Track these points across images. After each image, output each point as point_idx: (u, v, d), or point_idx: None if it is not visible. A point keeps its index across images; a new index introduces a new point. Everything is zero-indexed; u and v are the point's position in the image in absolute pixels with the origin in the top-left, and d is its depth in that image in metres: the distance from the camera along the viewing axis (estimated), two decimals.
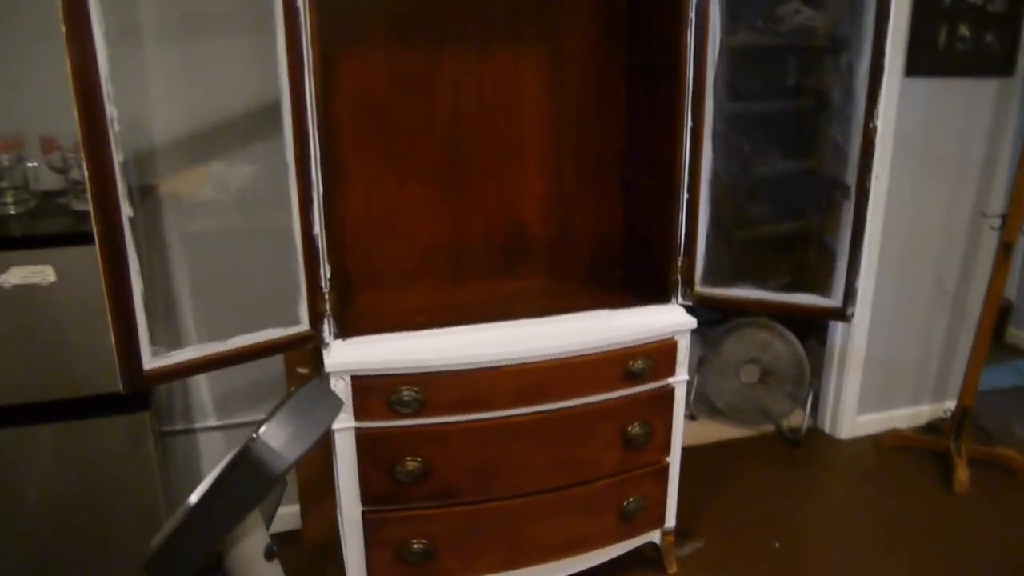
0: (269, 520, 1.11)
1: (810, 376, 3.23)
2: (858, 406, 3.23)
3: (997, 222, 2.92)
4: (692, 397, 3.44)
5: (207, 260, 2.29)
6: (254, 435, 0.79)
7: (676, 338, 2.07)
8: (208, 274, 2.27)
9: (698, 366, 3.41)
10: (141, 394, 1.80)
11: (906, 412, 3.32)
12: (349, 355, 1.85)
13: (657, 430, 2.12)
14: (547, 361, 1.93)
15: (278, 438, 0.81)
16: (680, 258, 2.12)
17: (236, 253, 2.26)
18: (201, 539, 0.82)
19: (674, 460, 2.20)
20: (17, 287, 1.72)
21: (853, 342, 3.13)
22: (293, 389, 0.94)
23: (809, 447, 3.18)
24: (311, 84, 1.69)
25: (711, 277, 2.16)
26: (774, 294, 2.15)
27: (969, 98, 3.01)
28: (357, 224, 2.19)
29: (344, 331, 1.91)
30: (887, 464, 3.04)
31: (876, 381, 3.22)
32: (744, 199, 4.18)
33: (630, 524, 2.17)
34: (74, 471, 1.81)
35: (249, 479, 0.79)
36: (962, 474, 2.85)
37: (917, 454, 3.09)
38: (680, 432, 2.17)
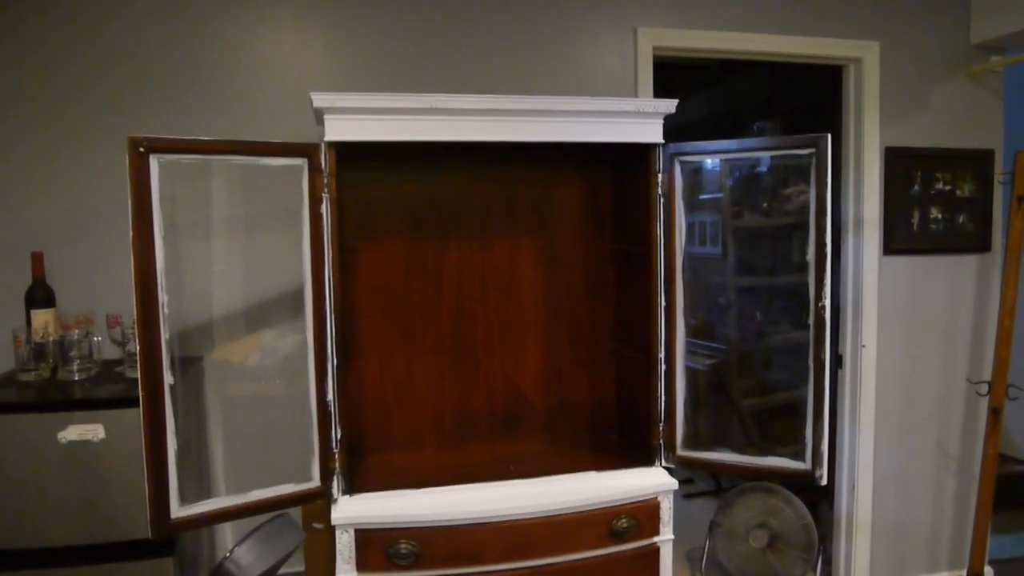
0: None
1: (819, 541, 3.26)
2: (871, 571, 3.23)
3: (984, 388, 3.05)
4: (704, 562, 3.47)
5: (240, 420, 2.57)
6: (227, 555, 1.01)
7: (659, 498, 2.23)
8: (239, 432, 2.54)
9: (709, 531, 3.47)
10: (167, 541, 2.01)
11: None
12: (354, 510, 2.05)
13: None
14: (535, 518, 2.10)
15: (245, 558, 1.02)
16: (662, 424, 2.31)
17: (266, 415, 2.54)
18: None
19: None
20: (72, 442, 2.00)
21: (858, 507, 3.19)
22: (265, 522, 1.17)
23: None
24: (330, 274, 2.02)
25: (696, 442, 2.34)
26: (749, 458, 2.31)
27: (950, 272, 3.23)
28: (371, 392, 2.46)
29: (352, 488, 2.13)
30: None
31: (888, 546, 3.24)
32: (759, 367, 4.37)
33: None
34: None
35: None
36: None
37: None
38: None
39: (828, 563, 3.33)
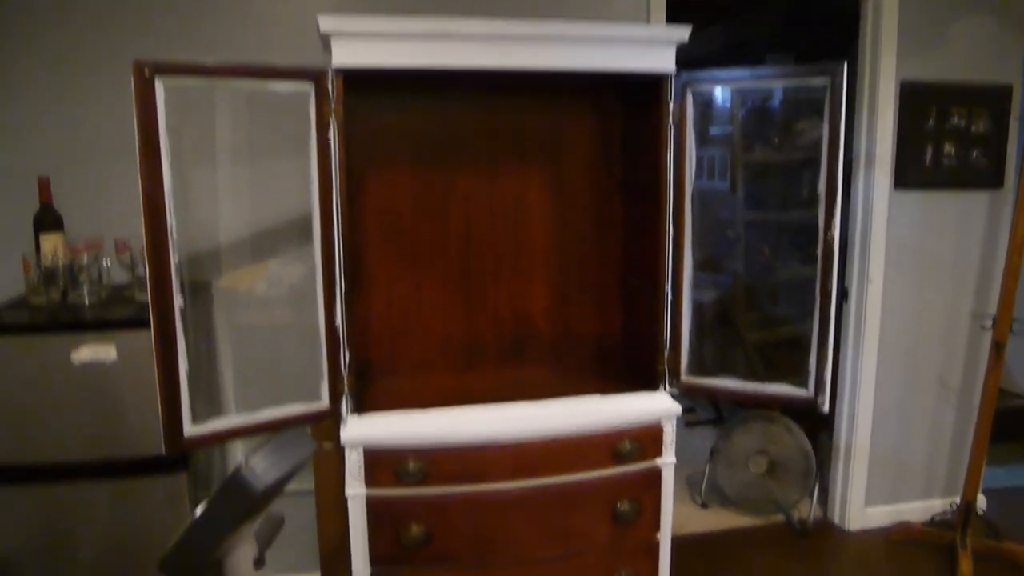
0: (268, 545, 1.35)
1: (817, 468, 3.33)
2: (866, 498, 3.31)
3: (989, 322, 3.06)
4: (704, 487, 3.57)
5: (250, 345, 2.62)
6: (243, 463, 1.05)
7: (662, 422, 2.27)
8: (249, 356, 2.59)
9: (710, 456, 3.55)
10: (181, 458, 2.07)
11: (917, 506, 3.38)
12: (363, 430, 2.10)
13: (646, 509, 2.28)
14: (540, 439, 2.14)
15: (260, 465, 1.06)
16: (667, 351, 2.34)
17: (275, 340, 2.59)
18: (204, 543, 1.06)
19: (664, 538, 2.34)
20: (85, 364, 2.04)
21: (857, 436, 3.25)
22: (278, 433, 1.21)
23: (817, 537, 3.26)
24: (338, 200, 2.02)
25: (700, 369, 2.36)
26: (752, 384, 2.34)
27: (961, 208, 3.22)
28: (379, 319, 2.48)
29: (361, 409, 2.17)
30: (893, 556, 3.10)
31: (884, 474, 3.31)
32: (766, 301, 4.39)
33: None
34: (121, 524, 2.08)
35: (238, 494, 1.04)
36: (966, 568, 2.89)
37: (924, 547, 3.14)
38: (669, 512, 2.33)
39: (824, 490, 3.42)
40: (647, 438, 2.25)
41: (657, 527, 2.33)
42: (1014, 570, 2.96)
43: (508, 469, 2.14)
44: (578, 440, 2.18)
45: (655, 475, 2.29)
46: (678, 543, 2.48)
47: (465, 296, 2.54)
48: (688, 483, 3.73)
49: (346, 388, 2.14)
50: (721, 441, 3.51)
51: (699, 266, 2.39)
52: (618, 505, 2.24)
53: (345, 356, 2.12)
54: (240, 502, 1.06)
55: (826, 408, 2.25)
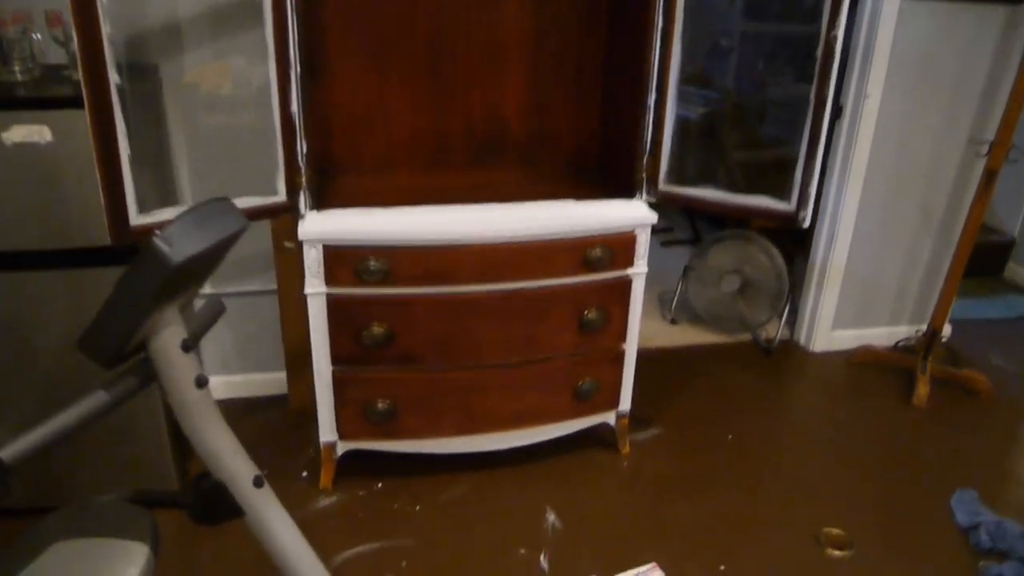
0: (202, 332, 1.29)
1: (789, 290, 3.33)
2: (834, 321, 3.33)
3: (985, 148, 2.94)
4: (675, 303, 3.58)
5: (209, 140, 2.44)
6: (157, 232, 0.94)
7: (636, 231, 2.19)
8: (207, 151, 2.43)
9: (683, 274, 3.53)
10: (132, 249, 1.97)
11: (883, 331, 3.42)
12: (321, 225, 2.00)
13: (613, 318, 2.26)
14: (508, 242, 2.06)
15: (175, 235, 0.96)
16: (646, 157, 2.21)
17: (237, 138, 2.41)
18: (121, 321, 0.98)
19: (630, 348, 2.34)
20: (17, 145, 1.88)
21: (833, 258, 3.21)
22: (199, 204, 1.09)
23: (781, 357, 3.31)
24: None
25: (680, 180, 2.25)
26: (732, 195, 2.24)
27: (974, 24, 2.98)
28: (341, 112, 2.31)
29: (320, 205, 2.06)
30: (853, 377, 3.17)
31: (854, 298, 3.31)
32: (755, 120, 4.21)
33: (583, 403, 2.33)
34: (79, 316, 2.00)
35: (152, 266, 0.95)
36: (923, 390, 2.96)
37: (885, 371, 3.20)
38: (637, 322, 2.31)
39: (794, 312, 3.43)
40: (619, 246, 2.17)
41: (624, 337, 2.32)
42: (969, 396, 3.04)
43: (474, 272, 2.07)
44: (548, 245, 2.10)
45: (625, 284, 2.24)
46: (644, 356, 2.50)
47: (434, 90, 2.36)
48: (660, 300, 3.74)
49: (304, 182, 2.01)
50: (695, 259, 3.47)
51: (687, 79, 2.20)
52: (585, 313, 2.20)
53: (302, 148, 1.98)
54: (154, 274, 0.96)
55: (807, 223, 2.17)
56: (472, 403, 2.22)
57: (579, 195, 2.24)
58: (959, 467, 2.58)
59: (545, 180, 2.44)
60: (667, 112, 2.17)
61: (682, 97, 2.22)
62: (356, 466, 2.33)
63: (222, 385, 2.74)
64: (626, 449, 2.52)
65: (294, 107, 1.93)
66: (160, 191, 2.31)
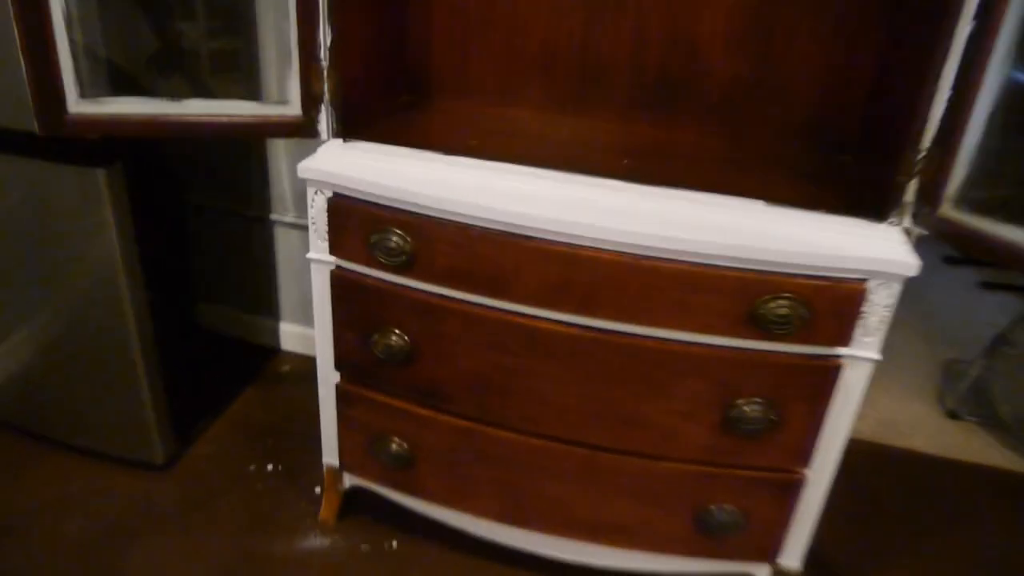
0: None
1: None
2: None
3: None
4: (966, 386, 2.32)
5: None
6: None
7: (869, 282, 1.16)
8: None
9: (991, 345, 2.27)
10: (103, 149, 1.42)
11: None
12: (338, 162, 1.29)
13: (792, 421, 1.27)
14: (617, 253, 1.18)
15: None
16: (925, 151, 1.15)
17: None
18: None
19: (818, 477, 1.34)
20: None
21: None
22: None
23: None
24: None
25: (983, 199, 1.16)
26: None
27: None
28: (445, 9, 1.54)
29: (354, 132, 1.34)
30: None
31: None
32: None
33: (709, 539, 1.40)
34: (27, 214, 1.51)
35: None
36: None
37: None
38: (842, 436, 1.30)
39: None
40: (827, 303, 1.18)
41: (806, 457, 1.32)
42: None
43: (548, 287, 1.23)
44: (688, 272, 1.18)
45: (828, 371, 1.24)
46: (883, 457, 1.49)
47: None
48: (944, 373, 2.47)
49: (326, 90, 1.30)
50: (1019, 328, 2.19)
51: None
52: (737, 402, 1.25)
53: (325, 36, 1.26)
54: None
55: None
56: (522, 484, 1.41)
57: (781, 192, 1.25)
58: None
59: (742, 154, 1.47)
60: (987, 71, 1.08)
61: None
62: (372, 505, 1.66)
63: (303, 338, 2.22)
64: None
65: None
66: (114, 72, 1.61)
